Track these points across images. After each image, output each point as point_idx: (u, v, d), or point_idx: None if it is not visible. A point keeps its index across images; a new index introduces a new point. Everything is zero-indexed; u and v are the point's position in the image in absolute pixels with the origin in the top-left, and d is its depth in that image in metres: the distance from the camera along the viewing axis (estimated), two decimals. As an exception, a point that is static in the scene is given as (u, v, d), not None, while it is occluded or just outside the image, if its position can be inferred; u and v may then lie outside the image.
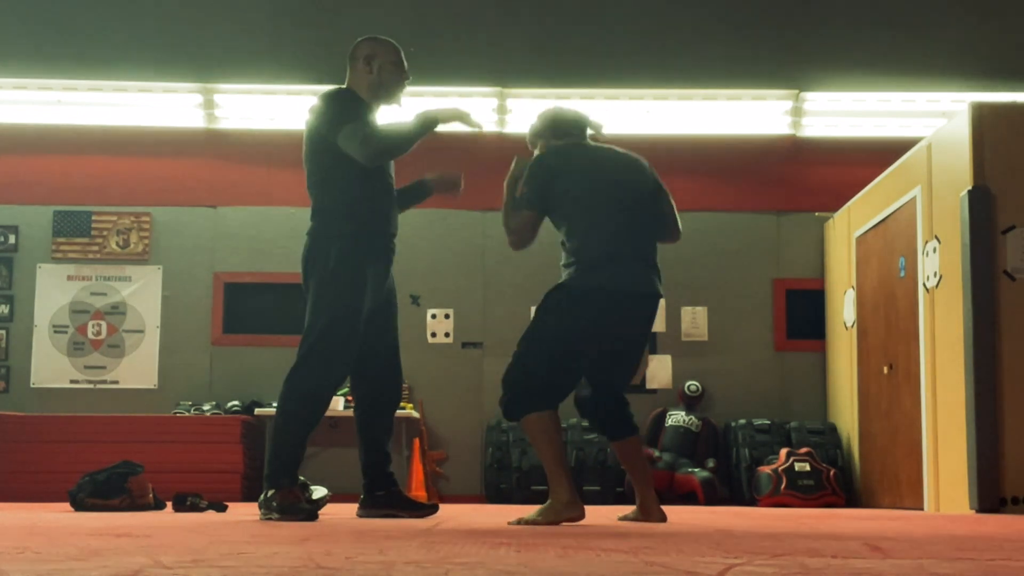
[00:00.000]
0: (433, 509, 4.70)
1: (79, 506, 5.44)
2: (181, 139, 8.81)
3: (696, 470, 7.93)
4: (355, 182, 4.37)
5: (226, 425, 7.80)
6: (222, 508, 5.41)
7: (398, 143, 4.33)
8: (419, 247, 8.39)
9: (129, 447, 7.26)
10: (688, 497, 7.86)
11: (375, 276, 4.43)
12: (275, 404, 4.52)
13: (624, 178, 4.28)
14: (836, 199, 8.45)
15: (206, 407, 8.14)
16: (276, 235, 8.61)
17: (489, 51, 8.83)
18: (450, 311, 8.62)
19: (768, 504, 7.63)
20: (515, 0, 8.95)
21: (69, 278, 8.64)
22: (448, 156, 8.11)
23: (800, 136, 8.85)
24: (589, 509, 4.12)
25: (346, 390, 6.28)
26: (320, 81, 8.47)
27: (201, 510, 5.37)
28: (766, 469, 7.78)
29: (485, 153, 8.56)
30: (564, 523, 3.88)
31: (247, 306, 8.73)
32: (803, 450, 7.86)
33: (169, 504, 5.60)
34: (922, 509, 6.58)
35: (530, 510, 4.07)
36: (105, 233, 8.68)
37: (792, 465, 7.72)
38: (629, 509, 4.65)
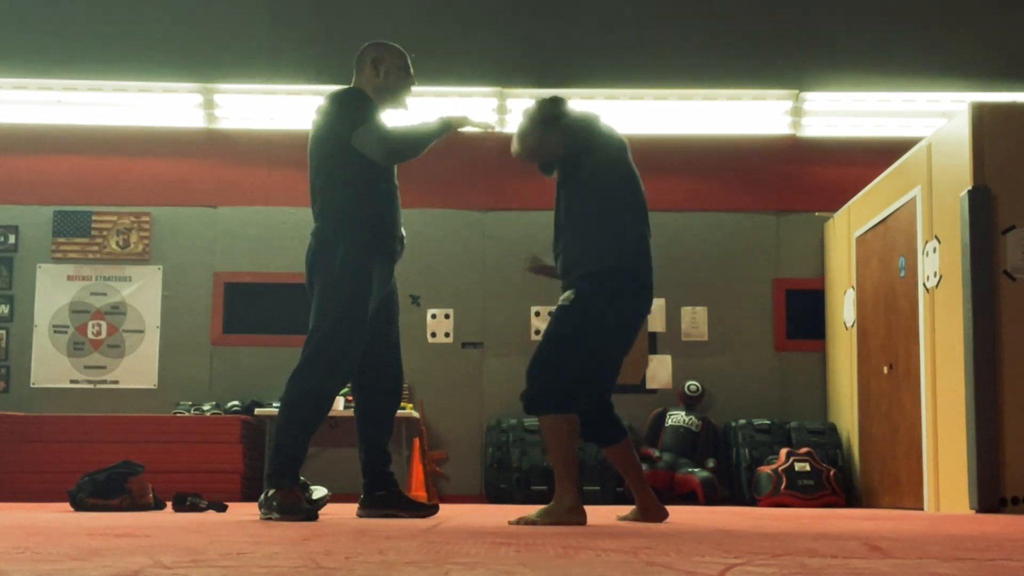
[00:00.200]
0: (433, 509, 4.70)
1: (79, 506, 5.44)
2: (181, 139, 8.81)
3: (696, 470, 7.93)
4: (361, 184, 4.38)
5: (226, 425, 7.79)
6: (222, 508, 5.41)
7: (414, 145, 4.36)
8: (419, 247, 8.38)
9: (129, 447, 7.26)
10: (688, 497, 7.86)
11: (380, 277, 4.43)
12: (275, 404, 4.53)
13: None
14: (836, 199, 8.45)
15: (206, 407, 8.14)
16: (276, 235, 8.61)
17: (489, 51, 8.83)
18: (450, 311, 8.62)
19: (768, 504, 7.63)
20: (515, 0, 8.95)
21: (69, 278, 8.65)
22: (449, 156, 8.13)
23: (800, 136, 8.85)
24: (589, 509, 4.11)
25: (346, 390, 6.29)
26: (320, 81, 8.48)
27: (201, 510, 5.37)
28: (766, 469, 7.78)
29: (485, 153, 8.57)
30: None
31: (247, 306, 8.73)
32: (803, 450, 7.86)
33: (169, 504, 5.60)
34: (922, 509, 6.58)
35: (530, 510, 4.06)
36: (105, 233, 8.68)
37: (792, 465, 7.72)
38: (628, 509, 4.64)
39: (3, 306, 8.60)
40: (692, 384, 8.39)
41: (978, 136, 6.02)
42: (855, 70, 8.76)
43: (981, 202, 5.94)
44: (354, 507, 4.78)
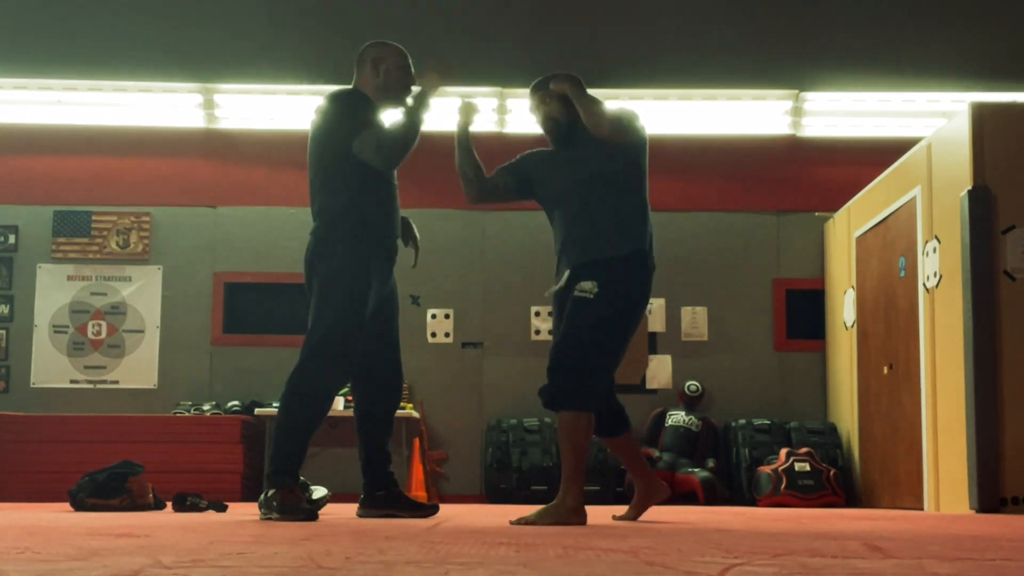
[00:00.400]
0: (433, 509, 4.70)
1: (79, 506, 5.44)
2: (181, 139, 8.81)
3: (696, 470, 7.93)
4: (360, 184, 4.38)
5: (226, 425, 7.79)
6: (222, 508, 5.41)
7: (408, 137, 4.37)
8: (419, 247, 8.38)
9: (129, 447, 7.26)
10: (688, 497, 7.86)
11: (378, 277, 4.43)
12: (275, 404, 4.54)
13: None
14: (836, 199, 8.45)
15: (206, 407, 8.14)
16: (276, 235, 8.61)
17: (489, 51, 8.82)
18: (450, 311, 8.62)
19: (768, 504, 7.63)
20: (515, 0, 8.95)
21: (69, 278, 8.64)
22: (449, 156, 8.11)
23: (800, 136, 8.85)
24: (589, 509, 4.12)
25: (346, 390, 6.28)
26: (320, 81, 8.48)
27: (201, 510, 5.37)
28: (766, 469, 7.78)
29: (485, 153, 8.56)
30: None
31: (247, 306, 8.73)
32: (803, 450, 7.86)
33: (169, 504, 5.60)
34: (922, 509, 6.58)
35: (530, 510, 4.06)
36: (105, 233, 8.68)
37: (792, 465, 7.72)
38: (624, 509, 4.66)
39: (3, 306, 8.60)
40: (692, 384, 8.39)
41: (978, 136, 6.02)
42: (855, 70, 8.76)
43: (981, 202, 5.95)
44: (354, 507, 4.78)
